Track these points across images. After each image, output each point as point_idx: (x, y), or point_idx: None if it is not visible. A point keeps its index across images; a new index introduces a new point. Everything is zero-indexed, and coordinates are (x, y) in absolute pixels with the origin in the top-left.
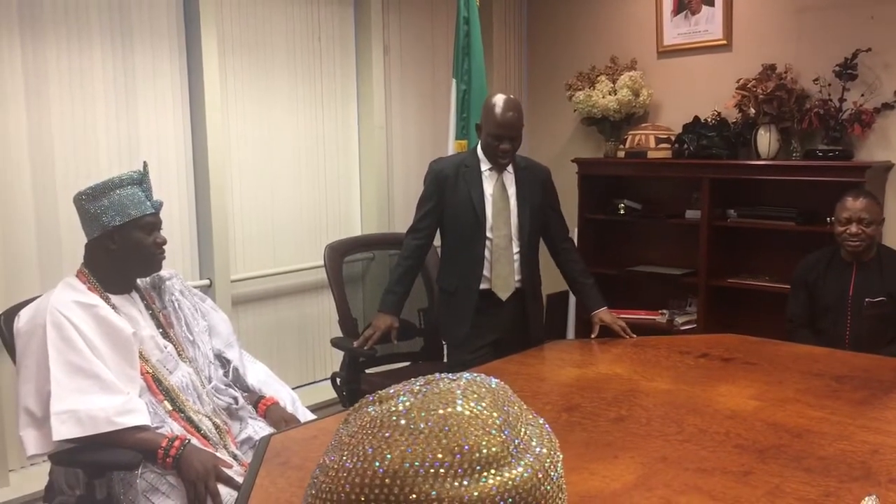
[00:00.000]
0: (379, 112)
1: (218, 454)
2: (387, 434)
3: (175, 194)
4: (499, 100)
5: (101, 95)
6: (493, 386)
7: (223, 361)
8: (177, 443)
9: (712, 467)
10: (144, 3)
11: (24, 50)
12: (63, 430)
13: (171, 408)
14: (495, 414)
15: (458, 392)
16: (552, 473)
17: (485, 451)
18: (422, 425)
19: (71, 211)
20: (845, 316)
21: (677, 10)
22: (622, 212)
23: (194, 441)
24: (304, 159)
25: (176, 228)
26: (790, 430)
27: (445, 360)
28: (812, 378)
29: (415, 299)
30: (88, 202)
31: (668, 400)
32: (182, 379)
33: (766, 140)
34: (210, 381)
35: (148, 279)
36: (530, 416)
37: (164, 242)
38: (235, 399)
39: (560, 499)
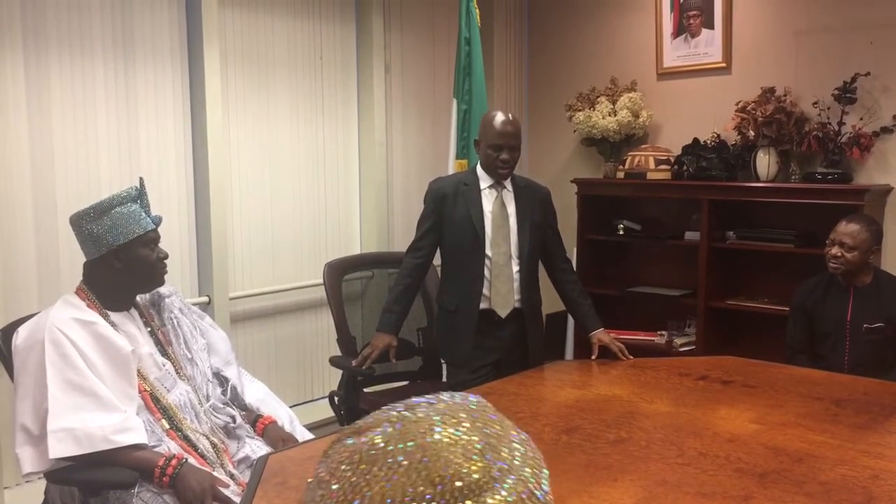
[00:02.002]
0: (379, 130)
1: (215, 473)
2: (366, 469)
3: (175, 211)
4: (497, 113)
5: (103, 110)
6: (473, 406)
7: (221, 380)
8: (174, 462)
9: (713, 491)
10: (147, 18)
11: (26, 63)
12: (60, 448)
13: (168, 426)
14: (475, 438)
15: (437, 419)
16: (537, 492)
17: (466, 479)
18: (401, 458)
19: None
20: (844, 341)
21: (677, 32)
22: (621, 232)
23: (191, 460)
24: (305, 177)
25: (175, 245)
26: (791, 454)
27: (444, 379)
28: (812, 402)
29: (414, 318)
30: (89, 223)
31: (668, 422)
32: (180, 397)
33: (765, 162)
34: (208, 400)
35: (147, 296)
36: (513, 433)
37: (167, 257)
38: (233, 418)
39: None
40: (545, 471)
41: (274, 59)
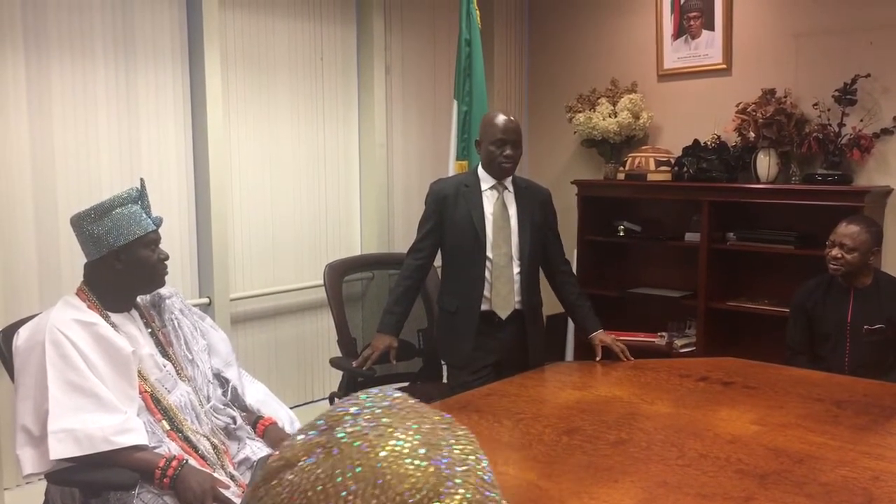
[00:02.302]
0: (380, 131)
1: (215, 475)
2: None
3: (175, 212)
4: (497, 112)
5: (104, 111)
6: (396, 402)
7: (222, 381)
8: (174, 463)
9: (713, 493)
10: (148, 19)
11: (27, 63)
12: (60, 450)
13: (169, 427)
14: (416, 442)
15: (371, 435)
16: (486, 476)
17: (424, 489)
18: (353, 486)
19: (72, 228)
20: (844, 343)
21: (677, 34)
22: (622, 234)
23: (192, 461)
24: (305, 177)
25: (176, 246)
26: (791, 455)
27: (445, 380)
28: (813, 403)
29: (414, 320)
30: (90, 224)
31: (668, 423)
32: (180, 398)
33: (765, 164)
34: (209, 401)
35: (148, 297)
36: (437, 418)
37: (167, 258)
38: (233, 419)
39: (498, 495)
40: (482, 452)
41: (275, 60)
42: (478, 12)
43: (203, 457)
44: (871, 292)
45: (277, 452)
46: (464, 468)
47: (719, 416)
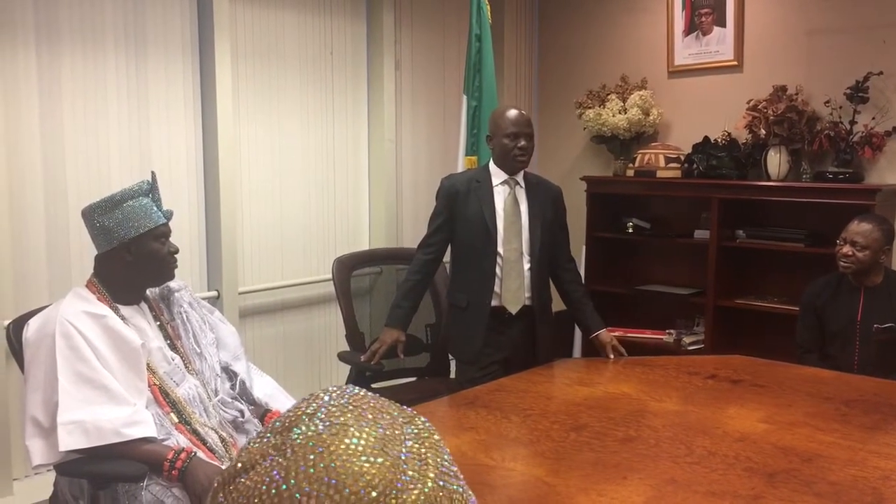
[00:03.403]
0: (389, 126)
1: (224, 467)
2: None
3: (185, 205)
4: (508, 106)
5: (114, 105)
6: (354, 400)
7: (230, 374)
8: (182, 455)
9: (722, 490)
10: (159, 13)
11: (38, 57)
12: (69, 441)
13: (177, 420)
14: (372, 438)
15: (325, 434)
16: (444, 468)
17: (380, 485)
18: (306, 487)
19: (82, 221)
20: (854, 341)
21: (688, 30)
22: (631, 230)
23: (200, 454)
24: (314, 172)
25: (185, 239)
26: (800, 453)
27: (452, 375)
28: (821, 401)
29: (422, 315)
30: (101, 216)
31: (676, 421)
32: (189, 391)
33: (776, 161)
34: (217, 394)
35: (157, 290)
36: (396, 413)
37: (177, 251)
38: (242, 412)
39: (463, 487)
40: (442, 443)
41: (284, 55)
42: (488, 7)
43: (211, 450)
44: (882, 291)
45: (236, 456)
46: (421, 462)
47: (728, 414)
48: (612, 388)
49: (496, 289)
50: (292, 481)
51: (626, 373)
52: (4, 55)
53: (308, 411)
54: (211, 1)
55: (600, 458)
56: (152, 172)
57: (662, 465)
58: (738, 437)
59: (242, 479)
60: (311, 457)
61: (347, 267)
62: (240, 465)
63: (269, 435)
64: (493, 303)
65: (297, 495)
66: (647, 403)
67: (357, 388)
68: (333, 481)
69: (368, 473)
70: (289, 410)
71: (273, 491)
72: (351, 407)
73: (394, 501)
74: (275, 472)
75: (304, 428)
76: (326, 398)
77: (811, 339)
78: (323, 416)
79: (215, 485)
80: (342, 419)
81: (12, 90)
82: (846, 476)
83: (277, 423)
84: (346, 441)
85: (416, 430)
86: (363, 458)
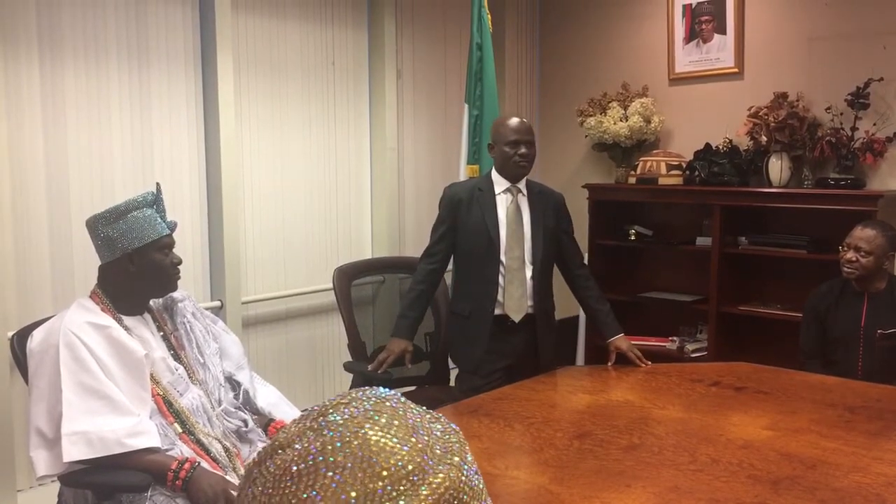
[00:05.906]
0: (391, 135)
1: (227, 477)
2: (311, 480)
3: (188, 215)
4: (509, 115)
5: (117, 115)
6: (386, 398)
7: (234, 384)
8: (186, 465)
9: (725, 498)
10: (161, 24)
11: (41, 67)
12: (73, 452)
13: (181, 430)
14: (403, 425)
15: (361, 418)
16: (467, 466)
17: (410, 465)
18: (341, 460)
19: (85, 232)
20: (857, 347)
21: (689, 37)
22: (633, 238)
23: (204, 464)
24: (316, 181)
25: (188, 249)
26: (804, 460)
27: (453, 383)
28: (825, 408)
29: (421, 324)
30: (104, 226)
31: (680, 428)
32: (192, 401)
33: (777, 168)
34: (220, 404)
35: (160, 301)
36: (426, 414)
37: (180, 262)
38: (245, 422)
39: (479, 481)
40: (466, 443)
41: (286, 65)
42: (489, 16)
43: (215, 459)
44: (886, 297)
45: (271, 439)
46: (448, 452)
47: (731, 422)
48: (615, 395)
49: (499, 297)
50: (329, 456)
51: (630, 380)
52: (8, 65)
53: (343, 402)
54: (213, 11)
55: (604, 465)
56: (157, 184)
57: (666, 472)
58: (741, 445)
59: (279, 454)
60: (348, 434)
61: (347, 276)
62: (276, 444)
63: (305, 420)
64: (496, 311)
65: (330, 467)
66: (651, 411)
67: (388, 390)
68: (368, 456)
69: (400, 453)
70: (322, 403)
71: (310, 460)
72: (384, 403)
73: (421, 482)
74: (311, 447)
75: (340, 414)
76: (359, 394)
77: (815, 346)
78: (357, 405)
79: (251, 463)
80: (375, 409)
81: (16, 100)
82: (850, 482)
83: (314, 411)
84: (381, 423)
85: (442, 428)
86: (395, 440)
